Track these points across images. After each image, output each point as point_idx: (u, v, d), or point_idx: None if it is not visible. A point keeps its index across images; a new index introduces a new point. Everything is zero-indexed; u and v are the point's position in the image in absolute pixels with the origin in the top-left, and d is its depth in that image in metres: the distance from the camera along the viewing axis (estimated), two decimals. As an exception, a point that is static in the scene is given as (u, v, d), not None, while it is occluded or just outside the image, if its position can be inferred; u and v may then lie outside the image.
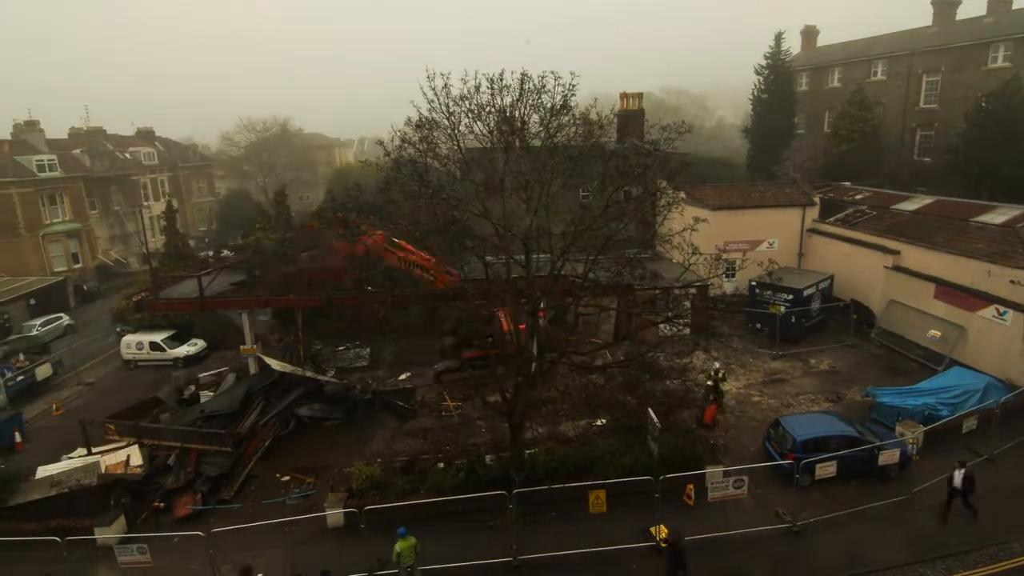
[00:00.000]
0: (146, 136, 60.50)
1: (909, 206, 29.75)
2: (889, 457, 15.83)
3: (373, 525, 14.04)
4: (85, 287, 42.61)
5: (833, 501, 15.64)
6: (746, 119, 53.01)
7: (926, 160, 38.98)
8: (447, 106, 13.78)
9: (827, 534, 14.63)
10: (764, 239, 31.36)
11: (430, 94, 13.72)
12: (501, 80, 13.51)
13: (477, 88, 13.57)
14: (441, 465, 17.59)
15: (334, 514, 15.58)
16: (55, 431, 22.12)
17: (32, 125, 45.82)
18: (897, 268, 26.29)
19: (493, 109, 13.81)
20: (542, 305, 15.58)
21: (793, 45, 48.96)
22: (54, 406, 24.25)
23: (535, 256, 14.60)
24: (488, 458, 17.49)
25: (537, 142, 14.35)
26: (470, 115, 13.86)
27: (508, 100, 13.76)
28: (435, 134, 14.09)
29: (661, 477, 14.31)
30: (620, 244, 14.97)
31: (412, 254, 20.96)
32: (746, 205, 31.34)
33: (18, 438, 21.15)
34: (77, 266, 44.99)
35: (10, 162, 42.00)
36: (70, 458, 18.89)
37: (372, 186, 17.54)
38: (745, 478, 14.92)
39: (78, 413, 22.54)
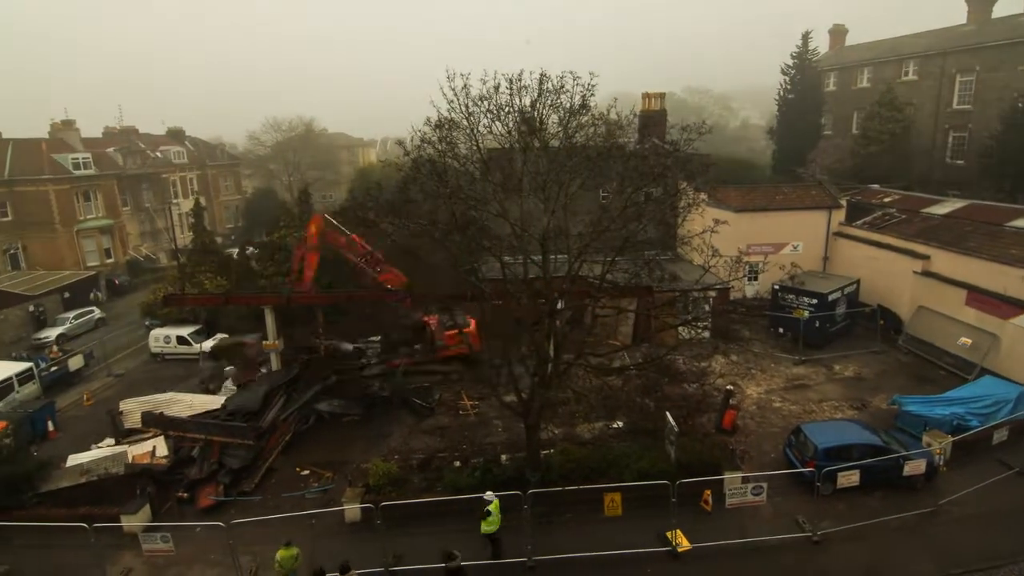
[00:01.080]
0: (176, 135, 62.03)
1: (940, 210, 28.95)
2: (915, 467, 15.42)
3: (389, 521, 14.17)
4: (116, 281, 43.86)
5: (856, 511, 15.29)
6: (771, 120, 52.21)
7: (959, 163, 37.88)
8: (466, 106, 13.85)
9: (848, 545, 14.31)
10: (788, 242, 30.81)
11: (450, 94, 13.82)
12: (520, 80, 13.54)
13: (496, 88, 13.62)
14: (457, 464, 17.69)
15: (351, 509, 15.79)
16: (86, 420, 22.81)
17: (69, 124, 47.42)
18: (927, 273, 25.61)
19: (513, 109, 13.83)
20: (559, 306, 15.57)
21: (821, 44, 48.08)
22: (85, 396, 25.02)
23: (553, 257, 14.58)
24: (504, 458, 17.54)
25: (556, 142, 14.33)
26: (489, 115, 13.91)
27: (527, 100, 13.78)
28: (454, 134, 14.18)
29: (678, 482, 14.16)
30: (639, 245, 14.86)
31: (354, 242, 21.14)
32: (770, 207, 30.82)
33: (51, 427, 21.88)
34: (109, 261, 46.40)
35: (47, 160, 43.55)
36: (99, 447, 19.48)
37: (393, 185, 17.71)
38: (764, 485, 14.70)
39: (108, 403, 23.25)
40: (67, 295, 37.29)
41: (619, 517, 14.41)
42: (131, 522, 15.57)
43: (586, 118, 14.16)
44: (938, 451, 16.63)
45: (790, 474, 16.58)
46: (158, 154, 56.83)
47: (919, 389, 21.57)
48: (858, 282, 27.78)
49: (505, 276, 14.85)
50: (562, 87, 13.63)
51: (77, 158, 45.08)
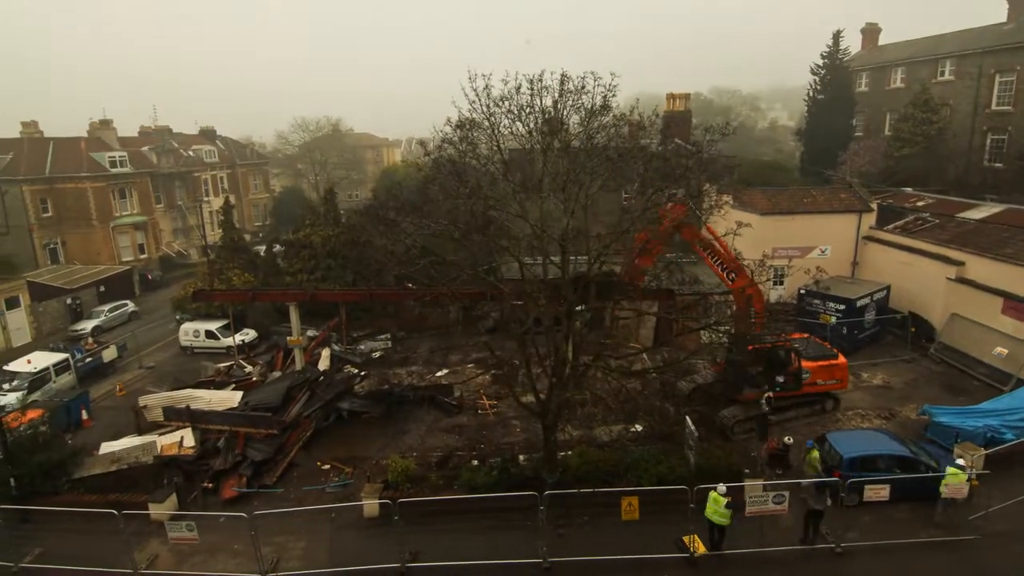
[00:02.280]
0: (208, 135, 63.59)
1: (976, 214, 28.01)
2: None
3: (407, 518, 14.33)
4: (149, 276, 45.25)
5: (882, 523, 14.90)
6: (800, 121, 51.25)
7: (997, 166, 36.59)
8: (487, 107, 13.90)
9: (873, 558, 13.95)
10: (815, 246, 30.17)
11: (471, 95, 13.87)
12: (540, 81, 13.53)
13: (517, 89, 13.63)
14: (475, 462, 17.77)
15: (370, 504, 15.98)
16: (118, 410, 23.56)
17: (106, 124, 49.06)
18: (961, 280, 24.80)
19: (534, 110, 13.81)
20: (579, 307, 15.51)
21: (853, 44, 46.93)
22: (118, 387, 25.87)
23: (573, 258, 14.54)
24: (522, 458, 17.54)
25: (577, 143, 14.28)
26: (510, 116, 13.92)
27: (548, 101, 13.76)
28: (475, 134, 14.24)
29: (696, 487, 14.01)
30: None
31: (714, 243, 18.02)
32: (796, 211, 30.24)
33: (85, 415, 22.68)
34: (143, 256, 47.89)
35: (86, 158, 45.15)
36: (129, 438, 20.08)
37: (415, 185, 17.84)
38: (786, 494, 14.41)
39: (139, 395, 23.96)
40: (102, 289, 38.60)
41: (636, 521, 14.29)
42: (158, 510, 16.01)
43: (608, 119, 14.07)
44: (969, 464, 16.07)
45: (813, 483, 16.22)
46: (190, 153, 58.31)
47: (951, 400, 20.90)
48: (888, 288, 27.05)
49: (523, 276, 14.86)
50: (583, 88, 13.58)
51: (114, 156, 46.62)
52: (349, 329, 29.30)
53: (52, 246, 44.47)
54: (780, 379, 19.24)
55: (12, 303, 32.66)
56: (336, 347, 27.61)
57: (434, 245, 16.72)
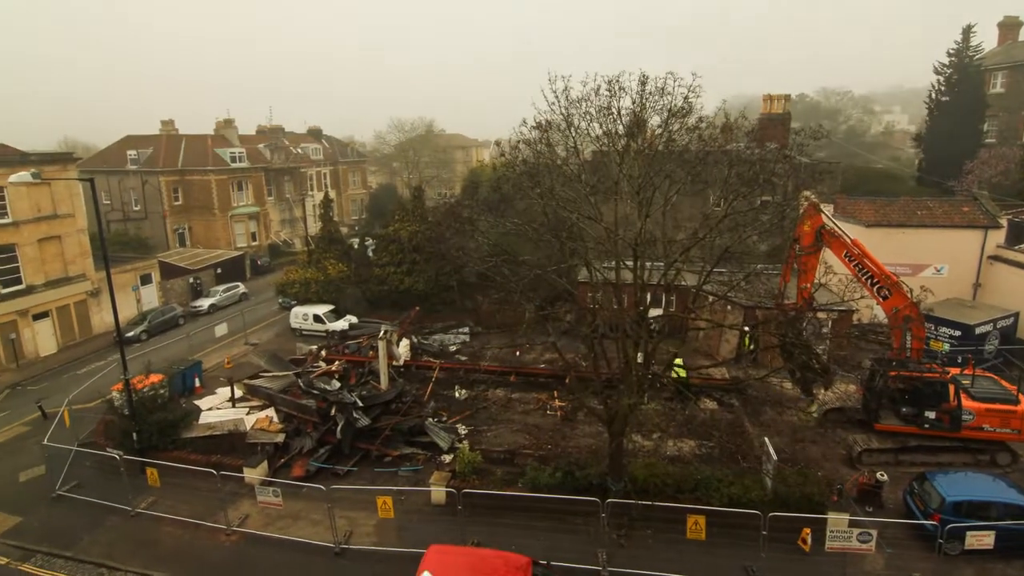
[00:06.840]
0: (315, 134, 68.57)
1: None
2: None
3: (471, 508, 14.74)
4: (259, 262, 49.72)
5: (987, 578, 13.33)
6: (921, 125, 46.53)
7: None
8: (566, 109, 13.95)
9: (973, 613, 12.53)
10: (930, 264, 27.28)
11: (551, 96, 13.96)
12: (618, 83, 13.36)
13: (596, 91, 13.56)
14: (539, 464, 17.85)
15: (437, 491, 16.63)
16: (224, 380, 26.11)
17: (229, 123, 54.46)
18: (1112, 311, 21.46)
19: (611, 112, 13.65)
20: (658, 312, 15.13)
21: (987, 40, 41.86)
22: (226, 359, 28.69)
23: (649, 264, 14.22)
24: (586, 463, 17.41)
25: (658, 145, 13.96)
26: (588, 117, 13.86)
27: (628, 102, 13.56)
28: (553, 135, 14.32)
29: (770, 514, 13.26)
30: (741, 257, 14.03)
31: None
32: (908, 223, 27.50)
33: (197, 383, 25.39)
34: (254, 243, 52.71)
35: (211, 154, 50.39)
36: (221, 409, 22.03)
37: (493, 184, 18.20)
38: (874, 532, 13.26)
39: (243, 368, 26.44)
40: (219, 271, 43.06)
41: (701, 542, 13.78)
42: (251, 475, 17.60)
43: (690, 120, 13.61)
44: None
45: (908, 525, 14.81)
46: (299, 150, 63.19)
47: (1088, 447, 18.16)
48: (1017, 315, 23.93)
49: (592, 279, 14.72)
50: (664, 89, 13.24)
51: (234, 152, 51.70)
52: (428, 321, 30.65)
53: (181, 231, 50.09)
54: (931, 415, 17.15)
55: (146, 279, 37.43)
56: (415, 337, 28.84)
57: (509, 244, 16.97)
